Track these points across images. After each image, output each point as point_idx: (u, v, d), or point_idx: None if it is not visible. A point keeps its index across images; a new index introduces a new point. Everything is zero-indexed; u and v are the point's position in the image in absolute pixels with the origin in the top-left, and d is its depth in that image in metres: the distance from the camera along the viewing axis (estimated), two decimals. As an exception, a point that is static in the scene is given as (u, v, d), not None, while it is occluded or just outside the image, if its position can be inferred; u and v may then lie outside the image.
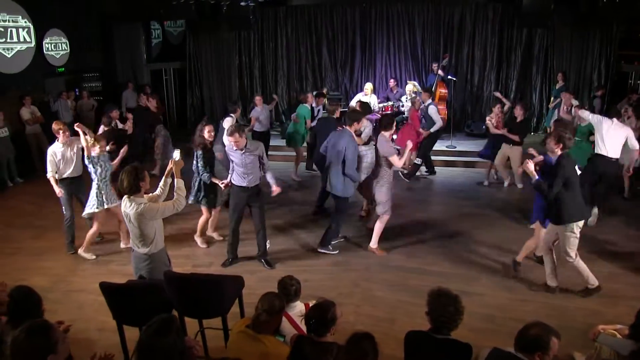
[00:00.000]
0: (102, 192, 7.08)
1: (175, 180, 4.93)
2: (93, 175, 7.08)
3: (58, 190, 7.26)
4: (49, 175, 7.21)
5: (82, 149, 7.19)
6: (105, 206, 7.14)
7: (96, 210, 7.12)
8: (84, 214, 7.26)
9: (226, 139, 6.88)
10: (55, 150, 7.20)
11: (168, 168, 5.08)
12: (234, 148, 6.39)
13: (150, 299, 4.52)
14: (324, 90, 12.97)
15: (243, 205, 6.81)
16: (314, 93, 11.50)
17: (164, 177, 5.05)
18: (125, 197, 4.71)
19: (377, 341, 3.18)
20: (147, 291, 4.62)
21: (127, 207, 4.68)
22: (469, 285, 6.27)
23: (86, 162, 7.08)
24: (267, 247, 7.07)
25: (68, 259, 7.41)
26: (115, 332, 4.67)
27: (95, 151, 7.03)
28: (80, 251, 7.38)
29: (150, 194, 4.98)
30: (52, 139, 8.24)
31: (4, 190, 10.69)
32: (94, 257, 7.37)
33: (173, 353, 2.71)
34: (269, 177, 6.74)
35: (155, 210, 4.67)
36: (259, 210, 6.82)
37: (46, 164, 7.23)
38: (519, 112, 9.40)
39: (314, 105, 10.97)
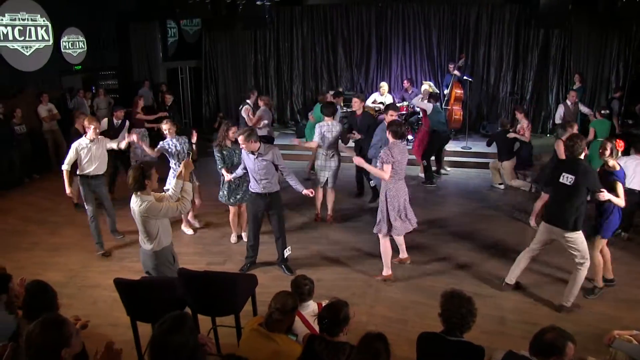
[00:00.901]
0: None
1: (183, 183, 4.95)
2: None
3: (68, 188, 7.28)
4: (64, 167, 7.20)
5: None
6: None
7: None
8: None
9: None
10: (81, 145, 7.17)
11: (178, 171, 5.11)
12: (245, 151, 6.33)
13: (163, 296, 4.54)
14: (340, 90, 12.93)
15: (261, 212, 6.71)
16: (332, 92, 11.42)
17: (175, 179, 5.07)
18: (133, 194, 4.77)
19: (390, 342, 3.16)
20: (161, 288, 4.64)
21: (133, 202, 4.74)
22: (481, 287, 6.26)
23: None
24: (287, 254, 6.86)
25: (83, 255, 7.48)
26: (128, 327, 4.71)
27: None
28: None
29: (160, 194, 5.00)
30: (68, 135, 8.28)
31: (21, 186, 10.80)
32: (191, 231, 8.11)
33: (185, 350, 2.72)
34: (292, 183, 6.51)
35: (158, 209, 4.70)
36: (277, 217, 6.68)
37: (63, 158, 7.27)
38: None
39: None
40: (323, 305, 3.95)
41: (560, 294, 5.88)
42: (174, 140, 7.46)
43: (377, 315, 5.75)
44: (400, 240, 6.79)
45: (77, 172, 7.33)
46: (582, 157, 5.54)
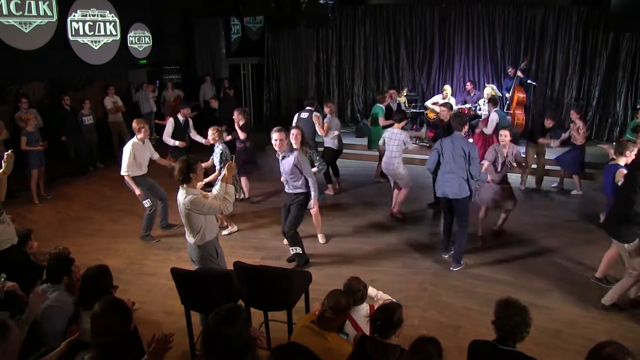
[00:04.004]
0: None
1: (226, 185, 5.01)
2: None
3: (138, 190, 7.38)
4: (124, 173, 7.32)
5: None
6: None
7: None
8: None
9: None
10: (133, 147, 7.34)
11: (222, 173, 5.17)
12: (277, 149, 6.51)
13: (219, 288, 4.60)
14: (404, 91, 12.78)
15: (288, 207, 6.82)
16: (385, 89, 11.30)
17: (219, 182, 5.13)
18: (180, 187, 4.86)
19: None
20: (216, 280, 4.70)
21: (180, 195, 4.84)
22: (539, 298, 6.03)
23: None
24: (292, 252, 6.84)
25: (142, 243, 7.70)
26: (182, 316, 4.78)
27: None
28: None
29: (206, 192, 5.08)
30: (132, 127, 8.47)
31: (86, 174, 11.19)
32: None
33: (238, 342, 2.73)
34: (311, 190, 6.55)
35: (202, 204, 4.76)
36: (294, 211, 6.69)
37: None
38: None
39: (391, 104, 10.86)
40: (375, 307, 3.91)
41: (626, 312, 5.69)
42: (219, 146, 7.70)
43: (430, 320, 5.66)
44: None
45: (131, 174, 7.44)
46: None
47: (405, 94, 12.52)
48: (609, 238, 5.85)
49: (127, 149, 7.33)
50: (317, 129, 9.42)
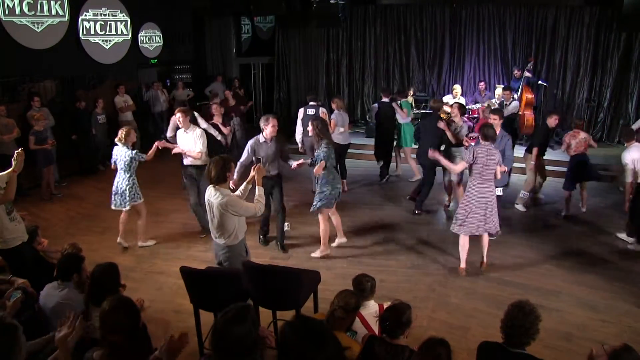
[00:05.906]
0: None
1: (257, 187, 5.01)
2: (132, 170, 7.19)
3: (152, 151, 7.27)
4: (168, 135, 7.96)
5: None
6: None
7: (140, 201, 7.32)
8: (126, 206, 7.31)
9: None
10: (179, 132, 7.59)
11: (250, 175, 5.17)
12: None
13: (227, 287, 4.60)
14: (411, 91, 12.70)
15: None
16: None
17: (245, 183, 5.13)
18: (210, 186, 4.84)
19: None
20: (225, 279, 4.71)
21: (211, 195, 4.80)
22: (548, 300, 6.00)
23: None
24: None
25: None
26: (191, 315, 4.80)
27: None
28: (140, 243, 7.58)
29: (232, 193, 5.09)
30: (142, 126, 8.52)
31: (97, 173, 11.25)
32: (153, 242, 7.67)
33: (246, 341, 2.73)
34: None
35: (239, 205, 4.76)
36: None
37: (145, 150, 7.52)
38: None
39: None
40: (385, 306, 3.91)
41: (636, 315, 5.65)
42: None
43: (438, 321, 5.66)
44: (462, 243, 6.64)
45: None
46: None
47: (412, 94, 12.41)
48: None
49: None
50: None
